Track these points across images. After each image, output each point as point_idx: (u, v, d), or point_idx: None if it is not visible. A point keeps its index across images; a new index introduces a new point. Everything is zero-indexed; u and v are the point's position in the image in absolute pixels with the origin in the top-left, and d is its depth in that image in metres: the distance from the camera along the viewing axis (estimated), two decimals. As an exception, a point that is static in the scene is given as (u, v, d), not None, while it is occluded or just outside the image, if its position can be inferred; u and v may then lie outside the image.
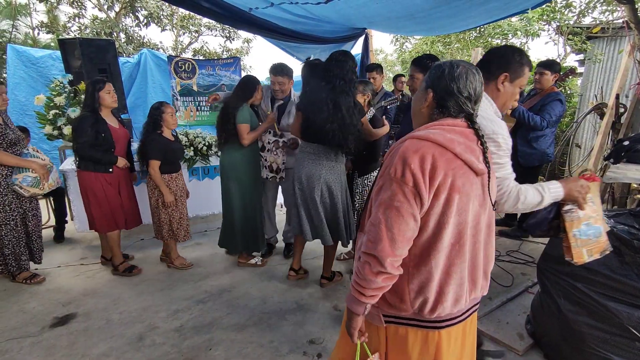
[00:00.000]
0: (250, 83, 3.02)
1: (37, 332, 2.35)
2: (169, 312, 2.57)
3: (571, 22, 6.62)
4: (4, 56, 5.29)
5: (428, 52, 8.96)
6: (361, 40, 5.44)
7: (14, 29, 8.28)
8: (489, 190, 1.11)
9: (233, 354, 2.14)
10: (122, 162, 2.99)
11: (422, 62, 2.29)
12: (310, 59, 3.24)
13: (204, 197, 4.24)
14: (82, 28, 9.83)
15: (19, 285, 2.94)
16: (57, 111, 3.69)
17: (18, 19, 8.37)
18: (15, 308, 2.62)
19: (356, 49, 5.88)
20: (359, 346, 1.21)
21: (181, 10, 10.82)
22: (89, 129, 2.78)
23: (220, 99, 3.30)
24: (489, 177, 1.10)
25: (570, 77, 5.15)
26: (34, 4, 9.01)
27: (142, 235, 3.91)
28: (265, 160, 3.18)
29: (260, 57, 27.93)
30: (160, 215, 3.07)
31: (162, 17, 10.60)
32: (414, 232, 1.05)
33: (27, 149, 2.88)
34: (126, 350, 2.19)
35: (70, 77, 3.80)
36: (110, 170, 2.95)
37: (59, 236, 3.85)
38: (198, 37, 12.07)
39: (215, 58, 8.38)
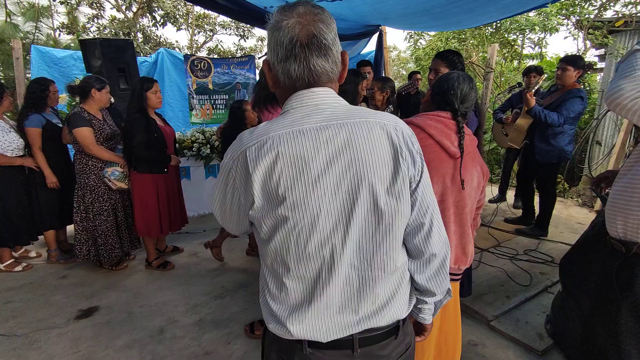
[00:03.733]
0: None
1: (62, 324, 2.44)
2: (188, 307, 2.62)
3: (592, 16, 6.44)
4: (27, 56, 5.45)
5: (443, 49, 8.84)
6: (375, 37, 5.41)
7: (37, 30, 8.53)
8: (460, 172, 1.36)
9: (252, 348, 2.18)
10: (174, 160, 3.05)
11: (446, 56, 2.26)
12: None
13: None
14: (101, 28, 10.06)
15: (44, 278, 3.04)
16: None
17: (40, 21, 8.61)
18: (41, 300, 2.72)
19: (370, 46, 5.86)
20: None
21: (196, 9, 10.96)
22: (142, 130, 2.80)
23: None
24: (461, 161, 1.35)
25: (588, 72, 5.02)
26: (55, 5, 9.25)
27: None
28: None
29: (273, 55, 27.91)
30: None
31: (177, 16, 10.76)
32: None
33: (121, 145, 3.02)
34: (148, 342, 2.25)
35: (91, 76, 3.89)
36: (166, 170, 2.99)
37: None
38: (213, 36, 12.21)
39: (230, 57, 8.46)
